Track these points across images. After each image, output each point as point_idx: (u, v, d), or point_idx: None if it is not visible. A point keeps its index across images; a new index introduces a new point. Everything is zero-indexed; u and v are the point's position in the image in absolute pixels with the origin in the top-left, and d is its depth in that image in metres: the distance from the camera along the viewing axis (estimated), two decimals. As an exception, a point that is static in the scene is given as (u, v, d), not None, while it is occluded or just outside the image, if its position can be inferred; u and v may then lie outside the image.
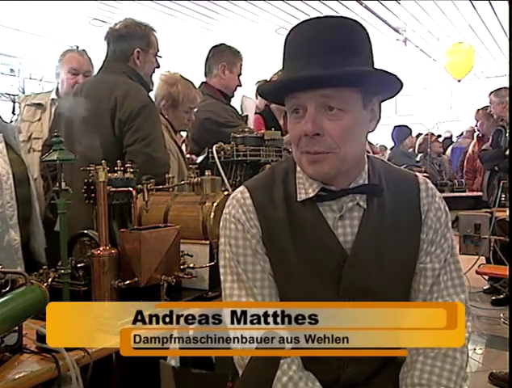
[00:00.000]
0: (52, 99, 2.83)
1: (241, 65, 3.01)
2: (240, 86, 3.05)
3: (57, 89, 2.88)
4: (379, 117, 1.10)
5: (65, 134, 1.97)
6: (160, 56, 2.36)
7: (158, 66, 2.37)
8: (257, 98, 3.83)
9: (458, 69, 8.94)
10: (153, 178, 1.63)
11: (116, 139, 2.03)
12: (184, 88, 2.54)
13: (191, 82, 2.63)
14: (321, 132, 1.01)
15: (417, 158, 6.16)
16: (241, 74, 3.01)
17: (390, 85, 1.07)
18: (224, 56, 2.93)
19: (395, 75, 1.03)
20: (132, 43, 2.22)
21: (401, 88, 1.07)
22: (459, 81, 9.01)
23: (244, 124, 2.90)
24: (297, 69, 1.02)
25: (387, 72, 1.02)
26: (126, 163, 1.51)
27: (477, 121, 5.10)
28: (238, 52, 3.02)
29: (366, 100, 1.04)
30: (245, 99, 3.43)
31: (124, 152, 2.01)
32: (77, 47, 2.93)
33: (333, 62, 0.99)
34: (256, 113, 3.42)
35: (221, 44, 3.02)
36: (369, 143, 4.89)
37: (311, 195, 1.09)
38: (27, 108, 2.85)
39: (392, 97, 1.13)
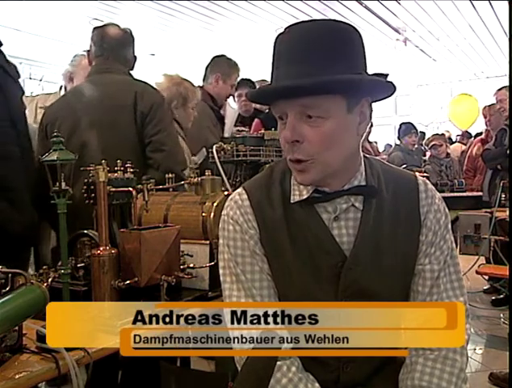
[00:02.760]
0: None
1: (237, 76, 3.25)
2: (232, 95, 3.32)
3: (65, 90, 2.87)
4: (370, 119, 1.08)
5: (69, 133, 2.04)
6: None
7: None
8: None
9: (462, 120, 9.14)
10: (152, 178, 1.63)
11: (137, 131, 2.09)
12: (189, 85, 2.68)
13: (191, 82, 2.76)
14: (300, 139, 1.01)
15: (426, 157, 6.17)
16: (234, 85, 3.25)
17: (378, 87, 1.05)
18: (220, 68, 3.15)
19: (382, 78, 1.02)
20: (132, 52, 2.31)
21: (394, 89, 1.06)
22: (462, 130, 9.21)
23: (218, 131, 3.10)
24: (278, 78, 1.03)
25: (372, 76, 1.02)
26: (126, 163, 1.51)
27: (485, 117, 5.06)
28: (236, 64, 3.22)
29: (351, 104, 1.02)
30: (228, 106, 3.55)
31: (148, 142, 2.08)
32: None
33: (313, 70, 0.98)
34: (256, 117, 3.56)
35: (222, 56, 3.24)
36: (369, 142, 4.89)
37: (304, 196, 1.09)
38: (39, 111, 2.84)
39: (387, 98, 1.11)
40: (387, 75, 1.03)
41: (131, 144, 2.07)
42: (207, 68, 3.21)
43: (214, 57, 3.25)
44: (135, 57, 2.32)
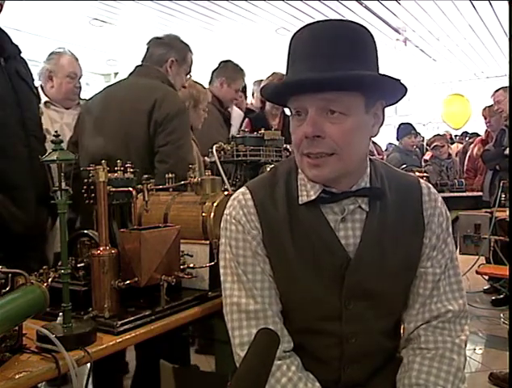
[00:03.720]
0: (46, 103, 2.80)
1: (242, 82, 3.39)
2: (236, 99, 3.42)
3: (42, 89, 2.85)
4: (383, 122, 1.09)
5: (94, 134, 2.16)
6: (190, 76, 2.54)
7: (185, 86, 2.52)
8: (253, 97, 4.00)
9: (455, 120, 9.23)
10: (152, 178, 1.63)
11: (150, 139, 2.10)
12: (201, 88, 2.79)
13: (201, 84, 2.90)
14: (321, 135, 1.01)
15: (427, 157, 6.16)
16: (239, 90, 3.39)
17: (394, 90, 1.06)
18: (226, 72, 3.28)
19: (399, 80, 1.02)
20: (170, 52, 2.34)
21: (405, 93, 1.07)
22: (456, 130, 9.29)
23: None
24: (300, 72, 1.02)
25: (390, 77, 1.02)
26: (126, 163, 1.51)
27: (485, 119, 5.06)
28: (241, 70, 3.35)
29: (369, 105, 1.04)
30: (235, 108, 3.62)
31: (156, 152, 2.09)
32: (69, 50, 2.93)
33: (335, 66, 0.98)
34: (245, 116, 3.69)
35: (228, 61, 3.37)
36: (373, 143, 4.89)
37: (312, 197, 1.09)
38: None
39: (397, 102, 1.12)
40: (399, 80, 1.03)
41: (138, 150, 2.09)
42: (213, 71, 3.31)
43: (221, 62, 3.35)
44: (173, 60, 2.34)
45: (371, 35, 1.06)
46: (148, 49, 2.37)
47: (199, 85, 2.81)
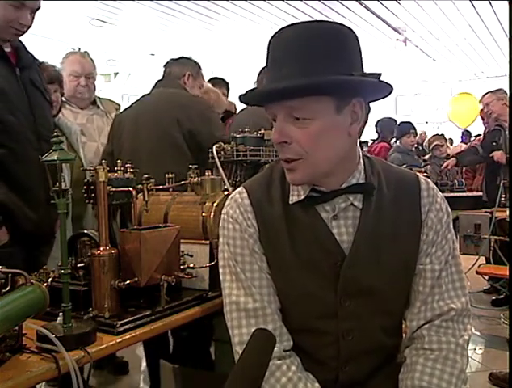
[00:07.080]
0: (63, 102, 2.84)
1: None
2: None
3: None
4: (365, 119, 1.07)
5: (132, 136, 2.46)
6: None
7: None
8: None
9: (462, 118, 9.22)
10: (152, 178, 1.63)
11: (184, 133, 2.41)
12: (215, 95, 2.95)
13: (218, 92, 3.10)
14: (288, 140, 1.02)
15: (426, 157, 6.15)
16: None
17: (370, 88, 1.04)
18: None
19: (377, 76, 1.01)
20: (186, 67, 2.66)
21: (389, 89, 1.04)
22: (463, 129, 9.28)
23: None
24: (268, 81, 1.05)
25: (365, 76, 1.01)
26: (126, 163, 1.51)
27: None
28: None
29: (340, 105, 1.01)
30: None
31: (200, 139, 2.39)
32: (79, 49, 2.96)
33: (301, 72, 0.98)
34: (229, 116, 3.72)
35: None
36: (390, 145, 4.86)
37: (302, 197, 1.10)
38: None
39: (384, 98, 1.10)
40: (379, 75, 1.02)
41: (175, 143, 2.38)
42: None
43: None
44: (189, 74, 2.64)
45: (351, 31, 1.04)
46: (165, 70, 2.67)
47: (213, 92, 2.93)
